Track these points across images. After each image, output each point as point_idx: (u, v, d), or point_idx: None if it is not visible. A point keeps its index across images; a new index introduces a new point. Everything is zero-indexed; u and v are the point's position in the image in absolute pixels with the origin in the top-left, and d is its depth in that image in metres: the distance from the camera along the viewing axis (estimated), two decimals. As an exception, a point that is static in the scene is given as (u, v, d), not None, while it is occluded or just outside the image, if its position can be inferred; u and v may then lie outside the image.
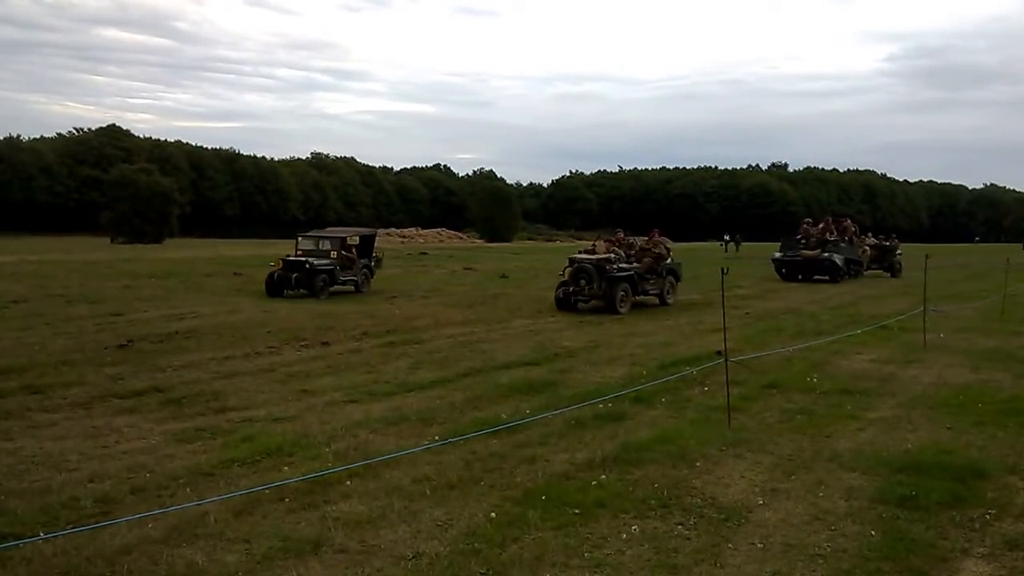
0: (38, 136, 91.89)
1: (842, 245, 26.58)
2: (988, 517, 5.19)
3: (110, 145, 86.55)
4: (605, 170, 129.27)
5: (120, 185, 63.18)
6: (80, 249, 44.40)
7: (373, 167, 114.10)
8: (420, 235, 73.46)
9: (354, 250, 21.22)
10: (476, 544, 4.72)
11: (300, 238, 21.79)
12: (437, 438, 6.83)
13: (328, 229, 24.20)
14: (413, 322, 14.44)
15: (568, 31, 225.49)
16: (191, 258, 33.90)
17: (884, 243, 31.29)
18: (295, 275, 19.66)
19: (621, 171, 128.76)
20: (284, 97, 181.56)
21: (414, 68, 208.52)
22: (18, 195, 79.30)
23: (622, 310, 16.81)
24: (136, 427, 7.46)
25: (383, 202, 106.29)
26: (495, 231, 77.96)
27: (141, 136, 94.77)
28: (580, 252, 18.55)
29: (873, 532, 4.93)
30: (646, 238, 19.80)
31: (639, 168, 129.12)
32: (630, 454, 6.35)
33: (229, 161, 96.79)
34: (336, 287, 20.44)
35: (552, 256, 43.91)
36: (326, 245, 20.81)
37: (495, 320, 15.12)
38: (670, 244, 21.00)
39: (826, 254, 25.75)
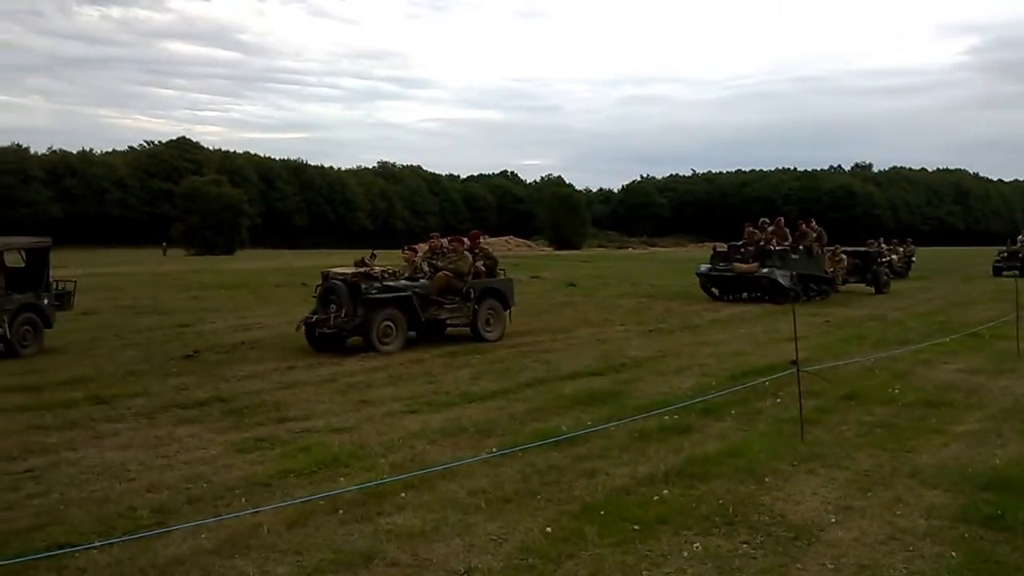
0: (110, 150, 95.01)
1: (793, 257, 20.30)
2: (1082, 539, 4.79)
3: (180, 158, 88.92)
4: (677, 174, 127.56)
5: (191, 197, 64.62)
6: (151, 261, 45.79)
7: (439, 175, 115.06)
8: (487, 243, 73.47)
9: (1, 277, 12.54)
10: (531, 560, 4.56)
11: None
12: (495, 449, 6.68)
13: None
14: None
15: (631, 32, 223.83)
16: (259, 269, 34.58)
17: (876, 249, 26.05)
18: None
19: (694, 175, 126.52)
20: (349, 106, 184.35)
21: (477, 74, 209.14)
22: (92, 208, 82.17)
23: (386, 347, 12.06)
24: (197, 437, 7.50)
25: (450, 210, 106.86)
26: (564, 238, 77.74)
27: (210, 148, 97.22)
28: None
29: (954, 553, 4.62)
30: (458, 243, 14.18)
31: (713, 171, 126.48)
32: (695, 468, 6.10)
33: (297, 171, 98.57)
34: None
35: (623, 264, 43.57)
36: None
37: (560, 329, 14.89)
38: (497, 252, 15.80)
39: (765, 269, 19.72)
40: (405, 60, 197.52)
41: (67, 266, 37.99)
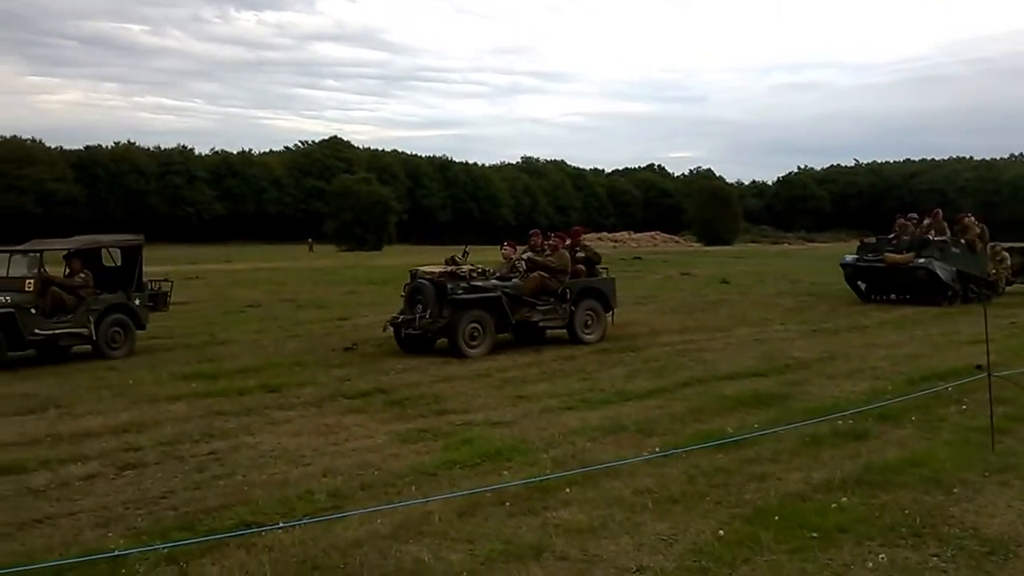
0: (267, 150, 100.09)
1: (954, 250, 17.96)
2: None
3: (332, 157, 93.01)
4: (838, 164, 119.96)
5: (342, 195, 67.27)
6: (304, 257, 47.85)
7: (583, 169, 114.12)
8: (633, 239, 72.61)
9: (88, 276, 12.23)
10: (704, 562, 4.46)
11: None
12: (658, 449, 6.57)
13: (71, 240, 13.32)
14: (628, 329, 14.13)
15: (781, 16, 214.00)
16: (406, 265, 35.29)
17: None
18: None
19: (857, 165, 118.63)
20: (493, 102, 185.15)
21: (620, 65, 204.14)
22: (251, 206, 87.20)
23: (472, 351, 11.53)
24: (364, 426, 7.78)
25: (594, 205, 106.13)
26: (714, 234, 75.44)
27: (360, 147, 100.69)
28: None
29: None
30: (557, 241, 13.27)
31: (878, 161, 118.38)
32: (875, 476, 5.78)
33: (442, 168, 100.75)
34: (48, 346, 11.75)
35: (780, 260, 42.02)
36: (19, 268, 11.95)
37: (716, 328, 14.49)
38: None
39: (922, 259, 17.41)
40: (548, 54, 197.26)
41: (231, 260, 40.37)
